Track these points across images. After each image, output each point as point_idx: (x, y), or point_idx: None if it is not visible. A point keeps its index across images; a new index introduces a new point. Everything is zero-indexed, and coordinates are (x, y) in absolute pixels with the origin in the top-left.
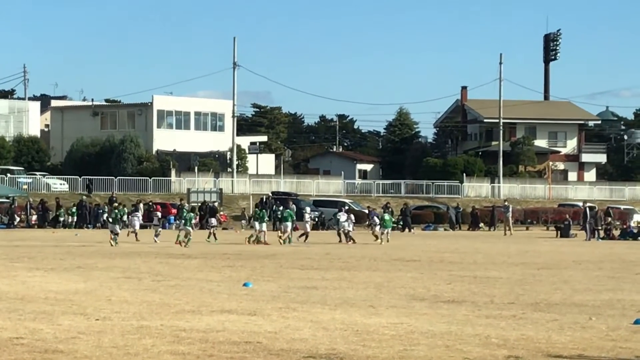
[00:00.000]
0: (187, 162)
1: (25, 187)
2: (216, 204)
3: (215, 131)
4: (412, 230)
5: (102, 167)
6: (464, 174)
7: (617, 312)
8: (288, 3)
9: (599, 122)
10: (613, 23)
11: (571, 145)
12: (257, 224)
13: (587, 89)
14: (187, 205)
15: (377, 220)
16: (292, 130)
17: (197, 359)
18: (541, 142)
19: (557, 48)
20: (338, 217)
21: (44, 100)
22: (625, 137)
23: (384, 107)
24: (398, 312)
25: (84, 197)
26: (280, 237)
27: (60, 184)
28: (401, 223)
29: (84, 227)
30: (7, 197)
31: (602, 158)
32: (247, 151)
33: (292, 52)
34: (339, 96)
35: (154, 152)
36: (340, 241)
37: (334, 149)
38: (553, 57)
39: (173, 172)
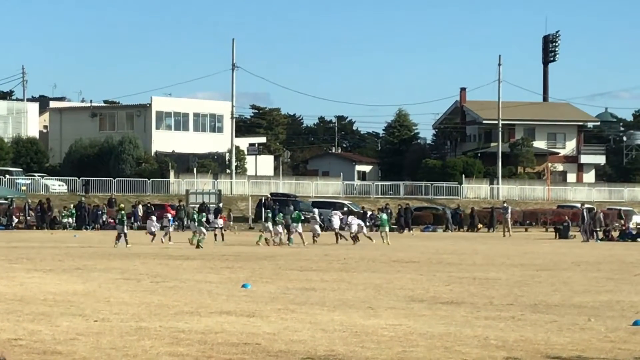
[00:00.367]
0: (185, 163)
1: (23, 188)
2: (220, 205)
3: (214, 132)
4: (411, 231)
5: (100, 168)
6: (463, 175)
7: (616, 314)
8: (287, 4)
9: (598, 123)
10: (612, 24)
11: (570, 146)
12: (271, 226)
13: (586, 90)
14: (196, 206)
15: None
16: (291, 131)
17: None
18: (540, 144)
19: (556, 49)
20: (330, 217)
21: (43, 102)
22: (624, 138)
23: (383, 108)
24: (397, 314)
25: (83, 198)
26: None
27: (59, 185)
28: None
29: (83, 228)
30: (6, 198)
31: (601, 159)
32: (246, 152)
33: (290, 53)
34: (338, 97)
35: (152, 154)
36: (337, 242)
37: (333, 150)
38: (552, 59)
39: (172, 174)
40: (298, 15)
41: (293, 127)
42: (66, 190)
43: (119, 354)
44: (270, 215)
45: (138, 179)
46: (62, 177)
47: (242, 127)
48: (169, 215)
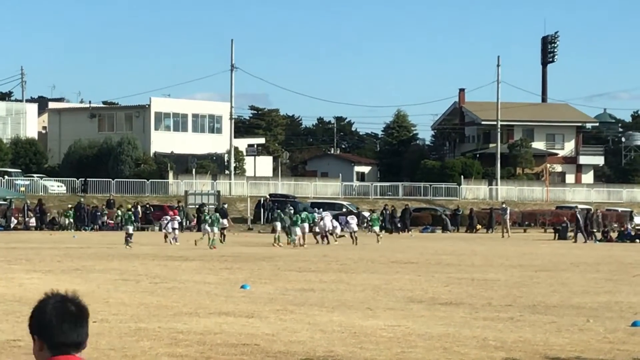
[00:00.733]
0: (184, 164)
1: (22, 189)
2: (225, 206)
3: (212, 133)
4: (410, 232)
5: (99, 169)
6: (462, 176)
7: (614, 315)
8: (286, 5)
9: (597, 124)
10: (611, 25)
11: (569, 147)
12: (295, 228)
13: (584, 91)
14: (206, 207)
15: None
16: (290, 132)
17: None
18: (539, 145)
19: (555, 50)
20: (322, 218)
21: (42, 102)
22: (623, 139)
23: (381, 109)
24: (395, 315)
25: (82, 199)
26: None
27: (58, 186)
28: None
29: (82, 229)
30: (5, 199)
31: (599, 160)
32: (244, 153)
33: (289, 54)
34: (336, 98)
35: (151, 154)
36: (329, 242)
37: (332, 151)
38: (551, 59)
39: (170, 174)
40: (297, 17)
41: (292, 128)
42: (65, 191)
43: (118, 355)
44: (279, 216)
45: (137, 179)
46: (61, 178)
47: (241, 128)
48: (178, 218)
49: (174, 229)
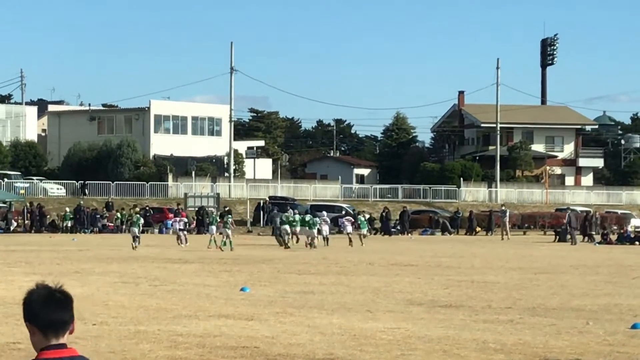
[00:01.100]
0: (184, 166)
1: (22, 191)
2: (227, 208)
3: (212, 136)
4: (409, 234)
5: (99, 172)
6: (461, 179)
7: (614, 317)
8: (285, 8)
9: (596, 126)
10: (610, 28)
11: (568, 149)
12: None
13: (584, 93)
14: (214, 210)
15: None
16: (290, 134)
17: None
18: (538, 147)
19: (554, 53)
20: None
21: (41, 105)
22: (622, 141)
23: (381, 111)
24: (395, 317)
25: (81, 201)
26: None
27: (58, 189)
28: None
29: (81, 231)
30: (4, 202)
31: (599, 163)
32: (244, 156)
33: (289, 57)
34: (336, 101)
35: (151, 157)
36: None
37: (331, 154)
38: (550, 62)
39: (170, 177)
40: (296, 19)
41: (291, 131)
42: (65, 194)
43: (117, 358)
44: (285, 219)
45: (136, 182)
46: (61, 181)
47: (241, 131)
48: (185, 220)
49: (181, 229)
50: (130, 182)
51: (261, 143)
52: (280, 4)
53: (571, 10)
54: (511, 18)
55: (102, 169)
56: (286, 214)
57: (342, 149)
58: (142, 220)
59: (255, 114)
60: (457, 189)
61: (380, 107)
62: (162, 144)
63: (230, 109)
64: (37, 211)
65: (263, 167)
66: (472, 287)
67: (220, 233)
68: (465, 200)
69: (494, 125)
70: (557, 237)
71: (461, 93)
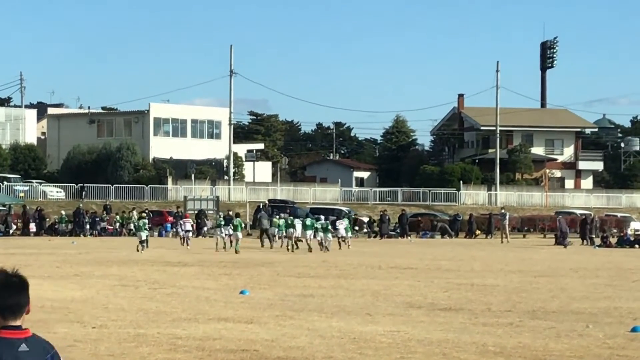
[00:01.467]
0: (183, 169)
1: (21, 194)
2: (237, 213)
3: (211, 139)
4: (409, 237)
5: (98, 175)
6: (461, 182)
7: (614, 320)
8: (285, 11)
9: (596, 129)
10: (610, 30)
11: (568, 152)
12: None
13: (584, 96)
14: (221, 212)
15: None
16: (289, 137)
17: None
18: (538, 150)
19: (554, 55)
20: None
21: (41, 108)
22: (622, 144)
23: (381, 114)
24: (395, 320)
25: (81, 204)
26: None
27: (57, 192)
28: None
29: (81, 234)
30: (4, 205)
31: (599, 166)
32: (243, 159)
33: (289, 59)
34: (336, 104)
35: (150, 160)
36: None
37: (331, 157)
38: (550, 65)
39: (170, 180)
40: (296, 22)
41: (291, 134)
42: (64, 197)
43: None
44: (287, 221)
45: (136, 185)
46: (60, 184)
47: (240, 134)
48: (190, 221)
49: (186, 231)
50: (129, 185)
51: (261, 146)
52: (280, 6)
53: (571, 12)
54: (511, 21)
55: (102, 172)
56: (278, 216)
57: (342, 152)
58: (148, 224)
59: (254, 117)
60: (456, 192)
61: (380, 110)
62: (161, 147)
63: (230, 112)
64: (36, 214)
65: (262, 170)
66: (472, 290)
67: (229, 235)
68: (464, 203)
69: (494, 128)
70: (557, 240)
71: (461, 96)
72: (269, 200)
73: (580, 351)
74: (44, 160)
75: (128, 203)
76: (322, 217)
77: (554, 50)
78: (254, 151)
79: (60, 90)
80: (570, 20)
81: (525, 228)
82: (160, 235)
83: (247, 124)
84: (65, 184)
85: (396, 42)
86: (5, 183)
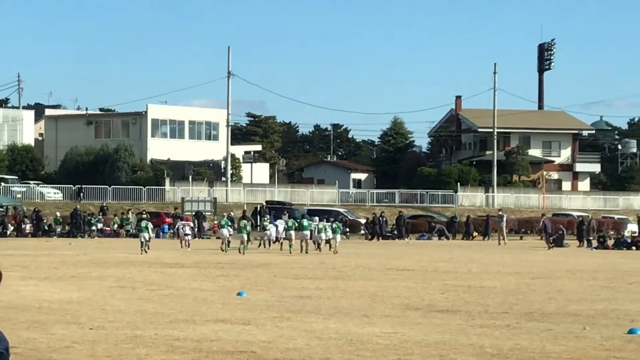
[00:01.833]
0: (181, 171)
1: (19, 196)
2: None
3: (209, 140)
4: (407, 239)
5: (96, 176)
6: (458, 184)
7: (611, 322)
8: (283, 12)
9: (593, 131)
10: (607, 32)
11: (565, 154)
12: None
13: (581, 98)
14: (225, 213)
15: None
16: (287, 139)
17: None
18: (535, 152)
19: (552, 58)
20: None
21: (38, 109)
22: (619, 146)
23: (378, 116)
24: (392, 322)
25: (78, 205)
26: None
27: (55, 193)
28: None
29: (78, 236)
30: (1, 206)
31: (596, 168)
32: (241, 160)
33: (286, 61)
34: (333, 105)
35: (148, 161)
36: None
37: (329, 158)
38: (547, 67)
39: (167, 181)
40: (294, 23)
41: (288, 135)
42: (61, 198)
43: None
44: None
45: (133, 186)
46: (58, 185)
47: (238, 135)
48: (190, 224)
49: (186, 234)
50: (127, 187)
51: (258, 147)
52: (278, 8)
53: (568, 15)
54: (508, 23)
55: (99, 173)
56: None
57: (339, 153)
58: (151, 225)
59: (252, 119)
60: (454, 193)
61: (377, 111)
62: (159, 149)
63: (228, 114)
64: (33, 215)
65: (260, 172)
66: (469, 292)
67: (230, 235)
68: (462, 205)
69: (491, 130)
70: (554, 242)
71: (458, 98)
72: (267, 202)
73: (577, 353)
74: (41, 162)
75: (125, 204)
76: (317, 218)
77: (552, 52)
78: (252, 153)
79: (57, 91)
80: (568, 22)
81: (523, 230)
82: (157, 236)
83: (244, 125)
84: (62, 185)
85: (394, 44)
86: (2, 184)
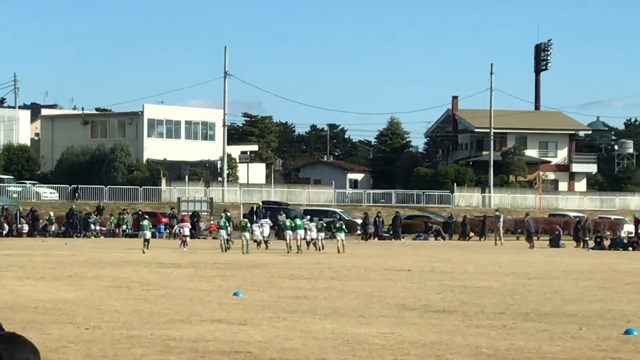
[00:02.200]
0: (177, 171)
1: (15, 195)
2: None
3: (205, 140)
4: (403, 239)
5: (92, 176)
6: (455, 184)
7: (607, 323)
8: (279, 12)
9: (590, 132)
10: (604, 33)
11: (562, 155)
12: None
13: (577, 99)
14: (224, 213)
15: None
16: (283, 139)
17: None
18: (532, 152)
19: (548, 58)
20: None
21: (34, 109)
22: (616, 147)
23: (375, 116)
24: (388, 322)
25: (74, 205)
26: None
27: (50, 193)
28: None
29: (74, 236)
30: None
31: (592, 168)
32: (237, 160)
33: (283, 61)
34: (330, 106)
35: (144, 161)
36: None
37: (325, 159)
38: (544, 67)
39: (163, 181)
40: (290, 24)
41: (285, 135)
42: (57, 198)
43: None
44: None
45: (130, 186)
46: (54, 185)
47: (234, 135)
48: (189, 225)
49: (185, 236)
50: (123, 187)
51: (255, 148)
52: (274, 8)
53: (565, 15)
54: (505, 23)
55: (95, 173)
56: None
57: (336, 153)
58: (150, 224)
59: (248, 119)
60: (450, 194)
61: (374, 112)
62: (155, 148)
63: (224, 114)
64: (29, 215)
65: (256, 172)
66: (465, 293)
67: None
68: (458, 206)
69: (488, 130)
70: (550, 242)
71: (455, 98)
72: (263, 202)
73: (574, 354)
74: (37, 161)
75: (121, 204)
76: (308, 217)
77: (548, 53)
78: (248, 153)
79: (54, 91)
80: (564, 23)
81: (519, 230)
82: (153, 236)
83: (241, 125)
84: (58, 185)
85: (390, 44)
86: None
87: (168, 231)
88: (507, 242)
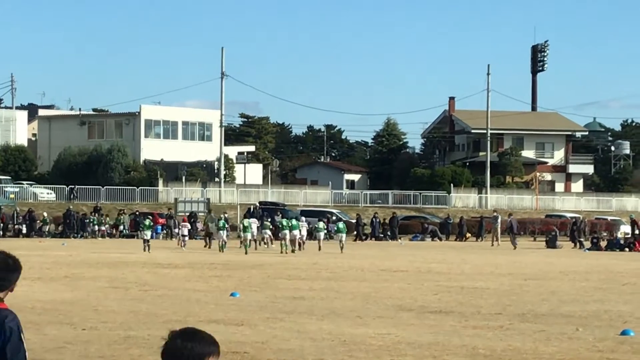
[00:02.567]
0: (174, 171)
1: (12, 196)
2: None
3: (202, 141)
4: (399, 240)
5: (89, 177)
6: (452, 185)
7: (604, 323)
8: (277, 13)
9: (586, 133)
10: (600, 34)
11: (558, 156)
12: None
13: (574, 100)
14: (223, 215)
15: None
16: (280, 140)
17: None
18: (528, 153)
19: (545, 59)
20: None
21: (32, 110)
22: (613, 148)
23: (371, 117)
24: (385, 323)
25: (71, 206)
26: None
27: (47, 193)
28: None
29: (71, 236)
30: None
31: (589, 169)
32: (234, 161)
33: (280, 62)
34: (327, 106)
35: (141, 162)
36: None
37: (322, 159)
38: (540, 68)
39: (160, 182)
40: (287, 25)
41: (282, 136)
42: (55, 199)
43: None
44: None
45: (127, 187)
46: (51, 185)
47: (231, 136)
48: (188, 225)
49: (183, 235)
50: (120, 187)
51: (252, 148)
52: (271, 9)
53: (561, 16)
54: (502, 24)
55: (92, 174)
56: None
57: (333, 154)
58: (152, 225)
59: (245, 120)
60: (447, 194)
61: (370, 112)
62: (152, 149)
63: (221, 114)
64: (26, 216)
65: (253, 173)
66: (462, 293)
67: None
68: (455, 206)
69: (485, 131)
70: (547, 243)
71: (452, 99)
72: (260, 203)
73: (570, 354)
74: (34, 162)
75: (119, 205)
76: (303, 218)
77: (545, 54)
78: (245, 153)
79: (51, 91)
80: (561, 24)
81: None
82: (151, 237)
83: (238, 126)
84: (55, 186)
85: (387, 45)
86: None
87: (165, 232)
88: (503, 243)
